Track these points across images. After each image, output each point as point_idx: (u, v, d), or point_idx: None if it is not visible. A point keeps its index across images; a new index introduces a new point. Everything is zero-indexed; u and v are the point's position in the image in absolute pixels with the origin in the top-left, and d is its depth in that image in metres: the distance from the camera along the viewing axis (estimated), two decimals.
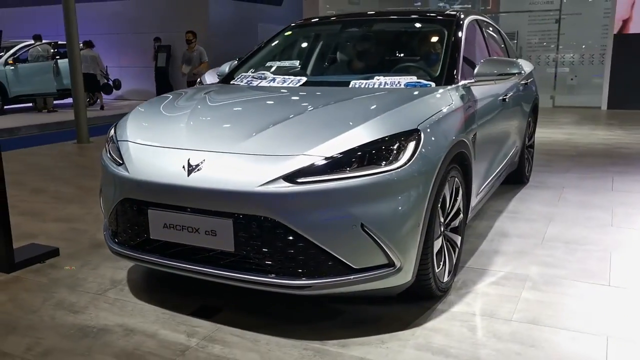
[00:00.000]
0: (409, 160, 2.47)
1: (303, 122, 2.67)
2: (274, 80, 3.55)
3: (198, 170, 2.49)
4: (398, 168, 2.43)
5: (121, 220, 2.79)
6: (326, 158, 2.40)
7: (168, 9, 16.65)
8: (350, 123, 2.58)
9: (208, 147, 2.58)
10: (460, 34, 3.63)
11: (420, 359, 2.34)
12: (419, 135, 2.56)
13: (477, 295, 2.93)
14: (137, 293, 3.02)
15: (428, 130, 2.63)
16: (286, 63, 3.92)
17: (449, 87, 3.17)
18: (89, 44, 13.35)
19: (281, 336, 2.53)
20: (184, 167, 2.53)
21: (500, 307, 2.79)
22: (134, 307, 2.85)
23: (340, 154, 2.41)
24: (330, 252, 2.38)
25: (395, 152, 2.47)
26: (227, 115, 2.92)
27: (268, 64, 3.92)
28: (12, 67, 13.27)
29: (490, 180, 3.84)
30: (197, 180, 2.47)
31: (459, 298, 2.90)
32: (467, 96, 3.25)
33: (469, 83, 3.34)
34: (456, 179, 2.95)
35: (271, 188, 2.35)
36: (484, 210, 4.45)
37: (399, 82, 3.23)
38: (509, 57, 5.01)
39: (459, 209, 3.05)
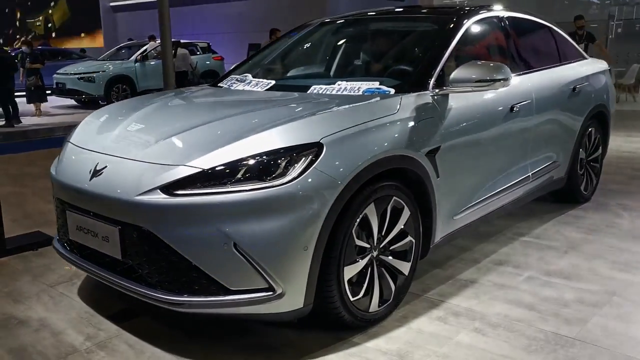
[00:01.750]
0: (298, 176, 2.24)
1: (209, 129, 2.53)
2: (249, 83, 3.44)
3: (99, 175, 2.49)
4: (282, 185, 2.22)
5: (57, 219, 2.90)
6: (205, 170, 2.26)
7: (289, 8, 17.12)
8: (250, 132, 2.40)
9: (116, 152, 2.57)
10: (452, 34, 3.23)
11: None
12: (319, 150, 2.31)
13: (408, 331, 2.60)
14: (83, 289, 3.11)
15: (336, 143, 2.36)
16: (271, 66, 3.79)
17: (407, 95, 2.82)
18: (178, 44, 14.19)
19: (169, 351, 2.45)
20: (90, 170, 2.54)
21: (421, 348, 2.44)
22: (68, 303, 2.94)
23: (221, 166, 2.26)
24: (203, 270, 2.24)
25: (283, 166, 2.26)
26: (156, 120, 2.87)
27: (257, 65, 3.82)
28: (140, 64, 14.52)
29: (488, 200, 3.36)
30: (95, 185, 2.47)
31: (385, 332, 2.59)
32: (434, 105, 2.88)
33: (445, 90, 2.95)
34: (396, 198, 2.63)
35: (147, 198, 2.27)
36: (502, 231, 3.95)
37: (358, 88, 2.96)
38: (559, 60, 4.37)
39: (403, 232, 2.72)
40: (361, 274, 2.56)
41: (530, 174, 3.78)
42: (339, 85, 3.03)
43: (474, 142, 3.13)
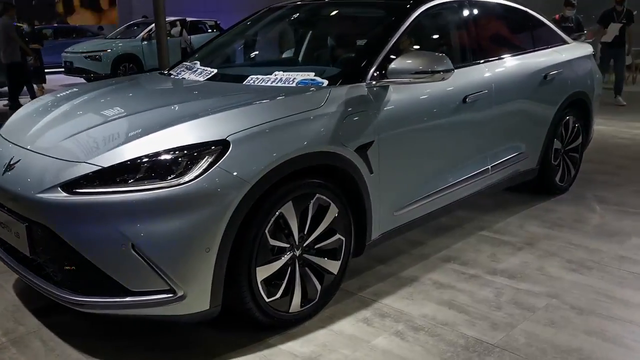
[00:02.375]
0: (199, 176, 2.16)
1: (121, 124, 2.47)
2: (195, 71, 3.35)
3: (12, 169, 2.45)
4: (181, 184, 2.14)
5: None
6: (105, 168, 2.20)
7: None
8: (158, 128, 2.33)
9: (31, 146, 2.52)
10: (399, 22, 3.08)
11: None
12: (224, 148, 2.22)
13: (328, 333, 2.53)
14: (19, 281, 3.09)
15: (245, 141, 2.28)
16: (221, 53, 3.68)
17: (338, 87, 2.71)
18: (184, 22, 14.22)
19: (80, 349, 2.42)
20: (5, 164, 2.50)
21: (334, 352, 2.37)
22: (0, 295, 2.94)
23: (121, 164, 2.19)
24: (103, 270, 2.19)
25: (184, 165, 2.18)
26: (79, 113, 2.81)
27: (210, 52, 3.72)
28: (147, 43, 14.49)
29: (438, 194, 3.24)
30: (6, 179, 2.43)
31: (305, 333, 2.53)
32: (369, 98, 2.75)
33: (383, 82, 2.82)
34: (319, 195, 2.54)
35: (48, 196, 2.22)
36: (462, 225, 3.83)
37: (293, 79, 2.85)
38: (533, 46, 4.17)
39: (331, 230, 2.64)
40: (280, 274, 2.49)
41: (489, 166, 3.64)
42: (275, 75, 2.92)
43: (416, 136, 3.01)
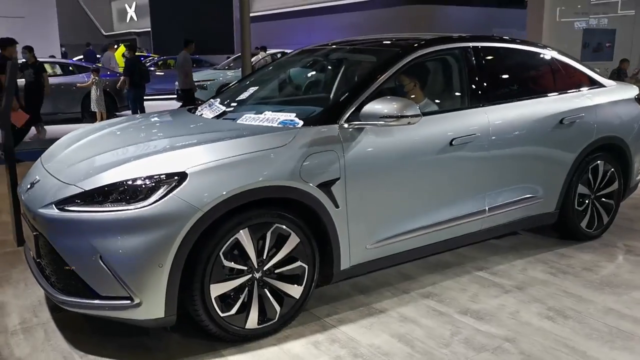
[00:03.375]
0: (156, 201, 2.55)
1: (112, 153, 2.94)
2: (211, 109, 3.78)
3: (32, 187, 3.00)
4: (140, 208, 2.54)
5: None
6: (87, 190, 2.66)
7: (395, 20, 17.27)
8: (136, 158, 2.77)
9: (51, 169, 3.06)
10: (384, 68, 3.30)
11: None
12: (181, 179, 2.60)
13: (276, 352, 2.78)
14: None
15: (202, 173, 2.64)
16: (237, 93, 4.08)
17: (307, 128, 2.99)
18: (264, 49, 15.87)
19: (69, 342, 2.88)
20: (30, 183, 3.07)
21: None
22: (32, 291, 3.50)
23: (98, 188, 2.64)
24: (80, 275, 2.64)
25: (145, 192, 2.58)
26: (94, 143, 3.31)
27: (231, 91, 4.15)
28: None
29: (420, 232, 3.37)
30: (27, 195, 2.99)
31: (256, 348, 2.80)
32: (338, 139, 3.00)
33: (354, 125, 3.07)
34: (278, 225, 2.83)
35: (46, 211, 2.72)
36: (464, 263, 3.88)
37: (277, 118, 3.18)
38: (555, 89, 4.14)
39: (292, 257, 2.91)
40: (236, 293, 2.79)
41: (486, 207, 3.68)
42: (264, 115, 3.26)
43: (391, 175, 3.18)
